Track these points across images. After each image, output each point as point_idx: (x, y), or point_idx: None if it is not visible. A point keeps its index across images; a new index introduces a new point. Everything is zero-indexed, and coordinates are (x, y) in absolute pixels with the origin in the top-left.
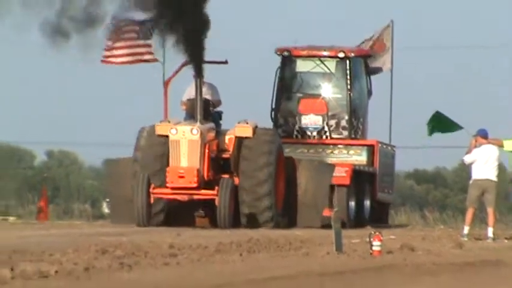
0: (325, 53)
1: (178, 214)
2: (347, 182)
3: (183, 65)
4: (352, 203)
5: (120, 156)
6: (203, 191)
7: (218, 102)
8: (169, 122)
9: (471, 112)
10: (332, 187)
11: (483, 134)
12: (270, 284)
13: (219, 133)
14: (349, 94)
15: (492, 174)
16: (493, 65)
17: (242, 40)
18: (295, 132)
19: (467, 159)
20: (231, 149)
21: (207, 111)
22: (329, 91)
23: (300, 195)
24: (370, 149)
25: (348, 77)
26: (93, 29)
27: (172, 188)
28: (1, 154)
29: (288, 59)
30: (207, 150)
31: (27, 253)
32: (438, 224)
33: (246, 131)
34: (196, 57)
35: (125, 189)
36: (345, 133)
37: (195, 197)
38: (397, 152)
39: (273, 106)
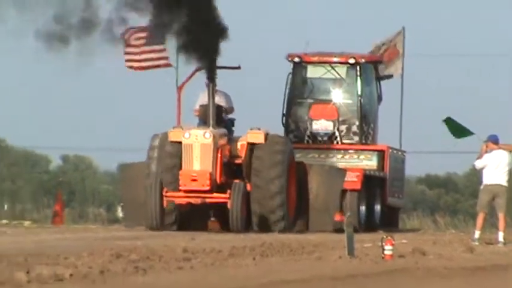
0: (336, 59)
1: (190, 219)
2: (358, 186)
3: (196, 71)
4: (363, 208)
5: (134, 161)
6: (215, 194)
7: (231, 110)
8: (182, 128)
9: (482, 118)
10: (343, 192)
11: (494, 140)
12: (283, 287)
13: (232, 139)
14: (360, 100)
15: (503, 179)
16: (503, 71)
17: (253, 47)
18: (307, 138)
19: (478, 164)
20: (243, 154)
21: (219, 117)
22: (340, 97)
23: (311, 199)
24: (381, 154)
25: (359, 82)
26: (89, 33)
27: (185, 191)
28: (17, 159)
29: (299, 65)
30: (219, 155)
31: (43, 257)
32: (449, 228)
33: (258, 138)
34: (209, 63)
35: (138, 193)
36: (356, 138)
37: (208, 200)
38: (409, 157)
39: (284, 112)
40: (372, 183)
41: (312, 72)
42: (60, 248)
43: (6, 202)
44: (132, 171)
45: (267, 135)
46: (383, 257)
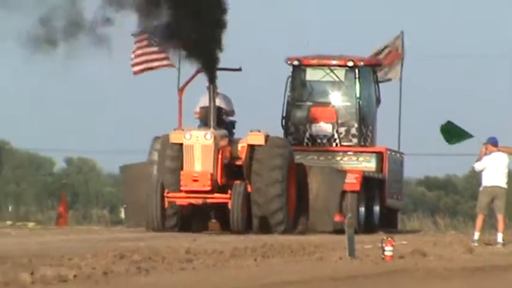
0: (335, 62)
1: (191, 219)
2: (357, 188)
3: (197, 73)
4: (362, 209)
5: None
6: (216, 195)
7: (232, 112)
8: (183, 130)
9: (481, 120)
10: (342, 193)
11: (493, 142)
12: None
13: (232, 141)
14: (358, 102)
15: (502, 181)
16: (502, 73)
17: (254, 49)
18: (306, 140)
19: (477, 166)
20: (243, 156)
21: (220, 118)
22: (339, 99)
23: (311, 200)
24: (379, 156)
25: (357, 85)
26: (75, 36)
27: (186, 192)
28: (21, 161)
29: (298, 68)
30: (220, 156)
31: (47, 258)
32: (449, 229)
33: (259, 139)
34: (209, 64)
35: (139, 194)
36: (355, 140)
37: (209, 200)
38: (409, 159)
39: (284, 114)
40: (371, 185)
41: (311, 75)
42: (64, 249)
43: (11, 204)
44: (133, 172)
45: (267, 137)
46: (383, 258)
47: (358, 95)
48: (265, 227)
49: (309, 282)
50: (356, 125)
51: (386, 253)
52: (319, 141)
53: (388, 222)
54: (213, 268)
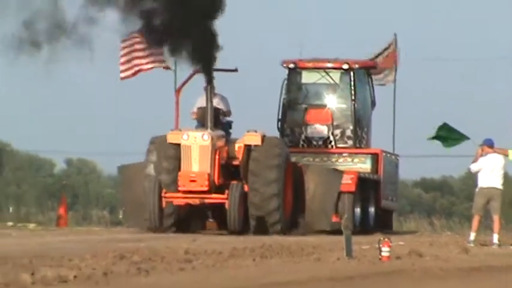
0: (330, 65)
1: (189, 219)
2: (353, 188)
3: (193, 73)
4: (358, 210)
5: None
6: (214, 195)
7: (229, 113)
8: (180, 130)
9: (477, 122)
10: (338, 194)
11: (489, 144)
12: None
13: (229, 141)
14: (354, 104)
15: (498, 183)
16: (499, 75)
17: (250, 50)
18: (301, 142)
19: (473, 167)
20: (240, 156)
21: (217, 119)
22: (334, 102)
23: (308, 200)
24: (374, 157)
25: (352, 88)
26: (58, 38)
27: (184, 192)
28: (22, 163)
29: (293, 71)
30: (217, 156)
31: (47, 258)
32: (445, 230)
33: (255, 139)
34: (206, 65)
35: (137, 194)
36: (350, 142)
37: (206, 200)
38: (406, 161)
39: (280, 117)
40: (366, 186)
41: (307, 77)
42: (64, 250)
43: (12, 205)
44: (131, 172)
45: (263, 138)
46: (380, 259)
47: (353, 98)
48: (262, 227)
49: (307, 283)
50: (351, 127)
51: (383, 254)
52: (314, 143)
53: (383, 224)
54: (212, 268)
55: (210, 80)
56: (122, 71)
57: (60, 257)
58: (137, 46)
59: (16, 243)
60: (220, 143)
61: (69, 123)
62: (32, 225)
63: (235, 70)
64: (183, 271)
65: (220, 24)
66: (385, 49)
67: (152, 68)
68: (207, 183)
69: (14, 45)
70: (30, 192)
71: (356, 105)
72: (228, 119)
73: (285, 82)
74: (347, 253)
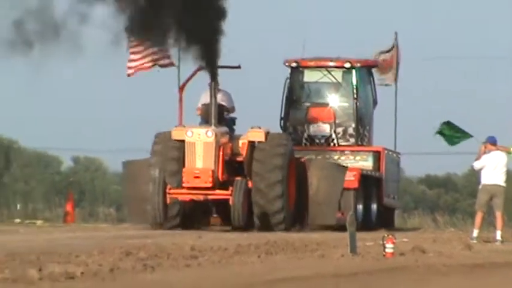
0: (332, 64)
1: (193, 215)
2: (355, 185)
3: (197, 70)
4: (360, 207)
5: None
6: (218, 191)
7: (232, 109)
8: (184, 127)
9: (480, 120)
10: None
11: (492, 141)
12: (287, 284)
13: (233, 137)
14: (356, 103)
15: (501, 180)
16: (500, 73)
17: (254, 47)
18: (304, 140)
19: (476, 165)
20: (244, 152)
21: (221, 115)
22: (336, 100)
23: (311, 194)
24: (376, 155)
25: (354, 86)
26: (50, 37)
27: (188, 188)
28: (30, 160)
29: (296, 70)
30: (221, 153)
31: (55, 255)
32: (448, 227)
33: (259, 136)
34: (210, 62)
35: (141, 190)
36: (352, 140)
37: (210, 197)
38: (410, 158)
39: (282, 115)
40: (369, 183)
41: (309, 76)
42: (72, 247)
43: (19, 202)
44: (135, 168)
45: (267, 134)
46: (384, 255)
47: (355, 96)
48: (266, 226)
49: (311, 279)
50: (353, 125)
51: (387, 250)
52: (317, 141)
53: (385, 221)
54: (217, 264)
55: (214, 77)
56: (130, 68)
57: (67, 253)
58: (141, 45)
59: (24, 239)
60: (224, 139)
61: (76, 122)
62: (39, 222)
63: (238, 67)
64: (189, 267)
65: (224, 24)
66: (389, 50)
67: (155, 65)
68: (211, 179)
69: (6, 44)
70: (38, 189)
71: (358, 103)
72: (231, 115)
73: (288, 81)
74: (351, 249)
